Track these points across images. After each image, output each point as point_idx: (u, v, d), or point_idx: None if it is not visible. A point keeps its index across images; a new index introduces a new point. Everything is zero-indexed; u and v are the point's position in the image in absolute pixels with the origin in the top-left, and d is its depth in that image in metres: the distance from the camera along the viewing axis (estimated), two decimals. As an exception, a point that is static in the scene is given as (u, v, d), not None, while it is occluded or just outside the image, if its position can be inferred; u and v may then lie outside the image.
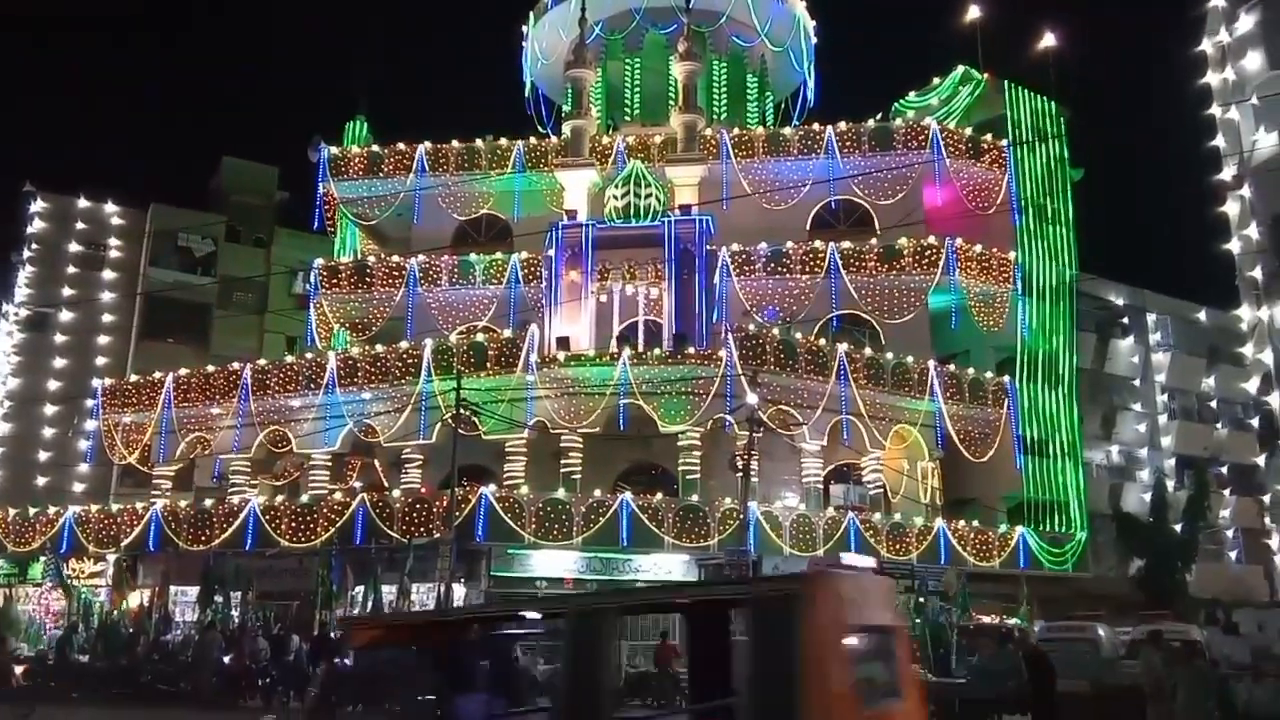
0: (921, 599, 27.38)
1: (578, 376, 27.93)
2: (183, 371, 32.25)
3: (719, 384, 26.92)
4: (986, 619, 26.44)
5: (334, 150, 35.85)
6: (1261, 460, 30.96)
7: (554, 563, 26.34)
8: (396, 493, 27.33)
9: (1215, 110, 31.00)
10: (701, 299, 29.33)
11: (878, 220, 33.45)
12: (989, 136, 34.81)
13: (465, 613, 10.04)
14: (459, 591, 25.60)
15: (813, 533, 27.38)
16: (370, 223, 36.51)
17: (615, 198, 30.28)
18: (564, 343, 28.67)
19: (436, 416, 27.83)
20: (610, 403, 27.54)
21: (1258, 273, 29.34)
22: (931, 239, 31.67)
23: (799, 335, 28.99)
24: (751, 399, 25.11)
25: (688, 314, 29.15)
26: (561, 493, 26.57)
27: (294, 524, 27.21)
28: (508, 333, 29.30)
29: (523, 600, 20.44)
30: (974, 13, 36.62)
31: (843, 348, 28.93)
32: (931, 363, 30.36)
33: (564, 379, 28.01)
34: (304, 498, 28.45)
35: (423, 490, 27.60)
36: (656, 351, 28.07)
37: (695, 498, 26.94)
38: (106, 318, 42.65)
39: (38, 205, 43.53)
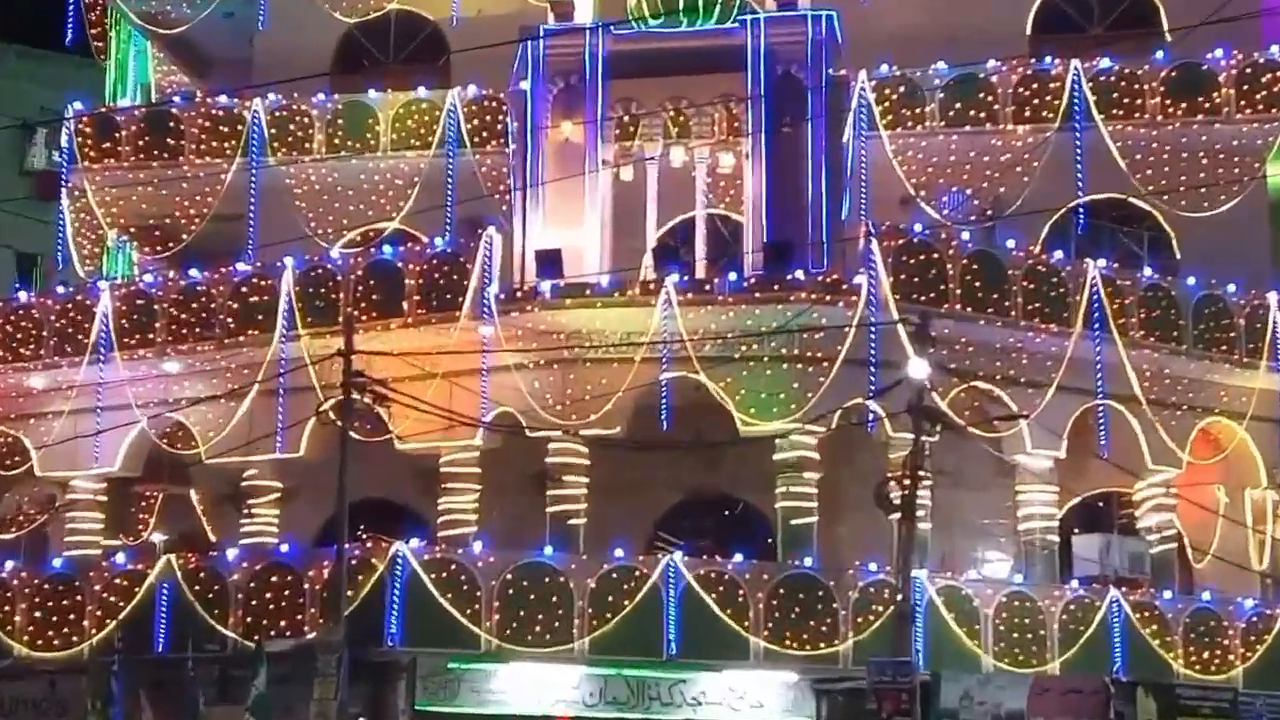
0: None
1: (579, 328, 19.96)
2: None
3: (853, 339, 18.77)
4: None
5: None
6: None
7: (536, 688, 18.12)
8: (233, 553, 19.55)
9: None
10: (818, 175, 20.00)
11: (1166, 18, 23.16)
12: None
13: None
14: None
15: (1039, 628, 18.90)
16: (172, 31, 26.47)
17: (648, -19, 21.69)
18: (550, 262, 19.97)
19: (306, 407, 19.65)
20: (643, 378, 19.37)
21: None
22: (1274, 52, 21.50)
23: (1010, 244, 20.39)
24: (919, 369, 17.21)
25: (791, 205, 20.02)
26: (550, 551, 18.84)
27: (39, 614, 19.66)
28: (441, 244, 20.92)
29: None
30: None
31: (1097, 267, 20.24)
32: (1274, 297, 21.03)
33: (553, 333, 19.97)
34: (56, 563, 21.16)
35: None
36: (732, 278, 19.76)
37: (809, 561, 19.34)
38: None
39: None
